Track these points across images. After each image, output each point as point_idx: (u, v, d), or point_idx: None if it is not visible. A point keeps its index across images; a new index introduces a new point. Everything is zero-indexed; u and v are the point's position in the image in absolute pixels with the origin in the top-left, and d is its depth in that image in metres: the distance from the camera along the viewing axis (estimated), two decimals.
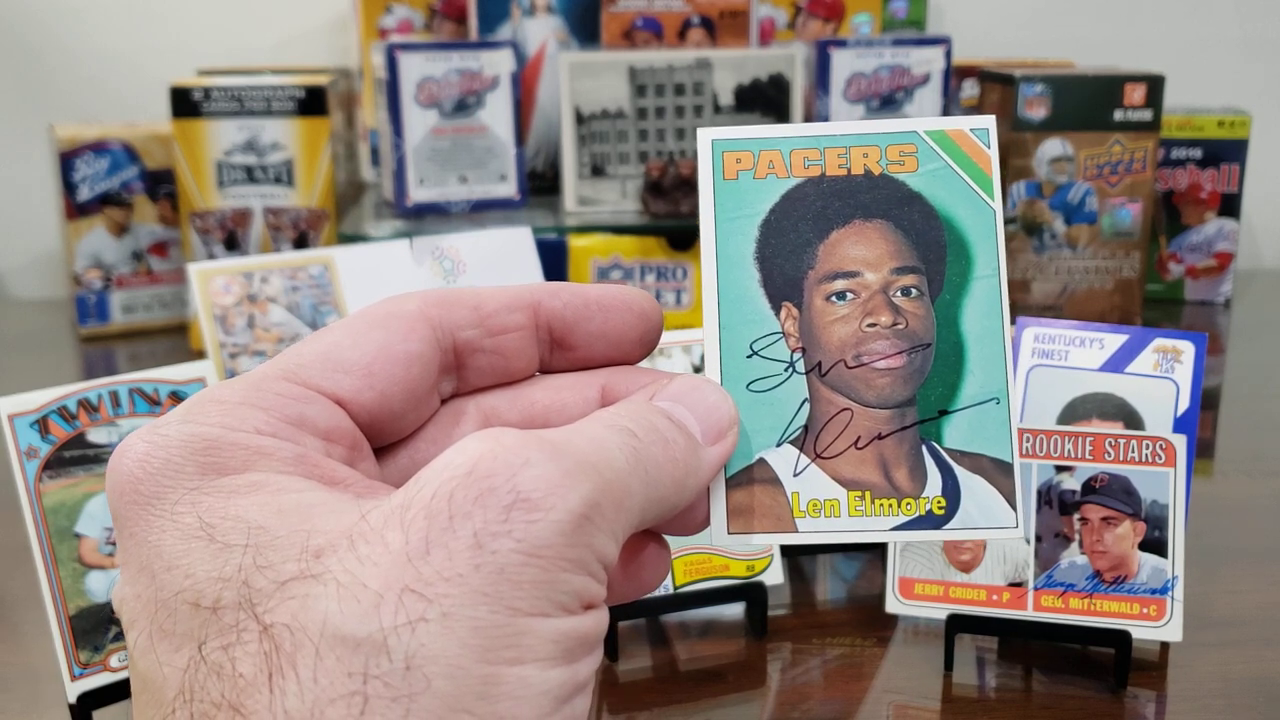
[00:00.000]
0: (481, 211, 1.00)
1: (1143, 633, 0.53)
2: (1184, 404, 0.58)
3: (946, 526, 0.27)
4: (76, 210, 1.07)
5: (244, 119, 1.00)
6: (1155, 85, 1.02)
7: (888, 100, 0.99)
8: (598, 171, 0.99)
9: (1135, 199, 1.04)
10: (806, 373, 0.27)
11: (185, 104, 0.99)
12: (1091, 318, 0.98)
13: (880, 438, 0.27)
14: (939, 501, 0.27)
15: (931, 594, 0.54)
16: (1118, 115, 1.02)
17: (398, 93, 0.98)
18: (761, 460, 0.27)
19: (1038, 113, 1.03)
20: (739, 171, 0.28)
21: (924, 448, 0.27)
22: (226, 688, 0.20)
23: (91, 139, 1.07)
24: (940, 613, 0.54)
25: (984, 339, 0.27)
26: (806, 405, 0.27)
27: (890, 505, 0.27)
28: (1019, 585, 0.54)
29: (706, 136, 0.28)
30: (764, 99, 0.99)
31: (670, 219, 0.95)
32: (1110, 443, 0.54)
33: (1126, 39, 1.34)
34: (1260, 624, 0.59)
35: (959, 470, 0.27)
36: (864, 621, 0.58)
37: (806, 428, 0.27)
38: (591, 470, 0.22)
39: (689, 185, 0.96)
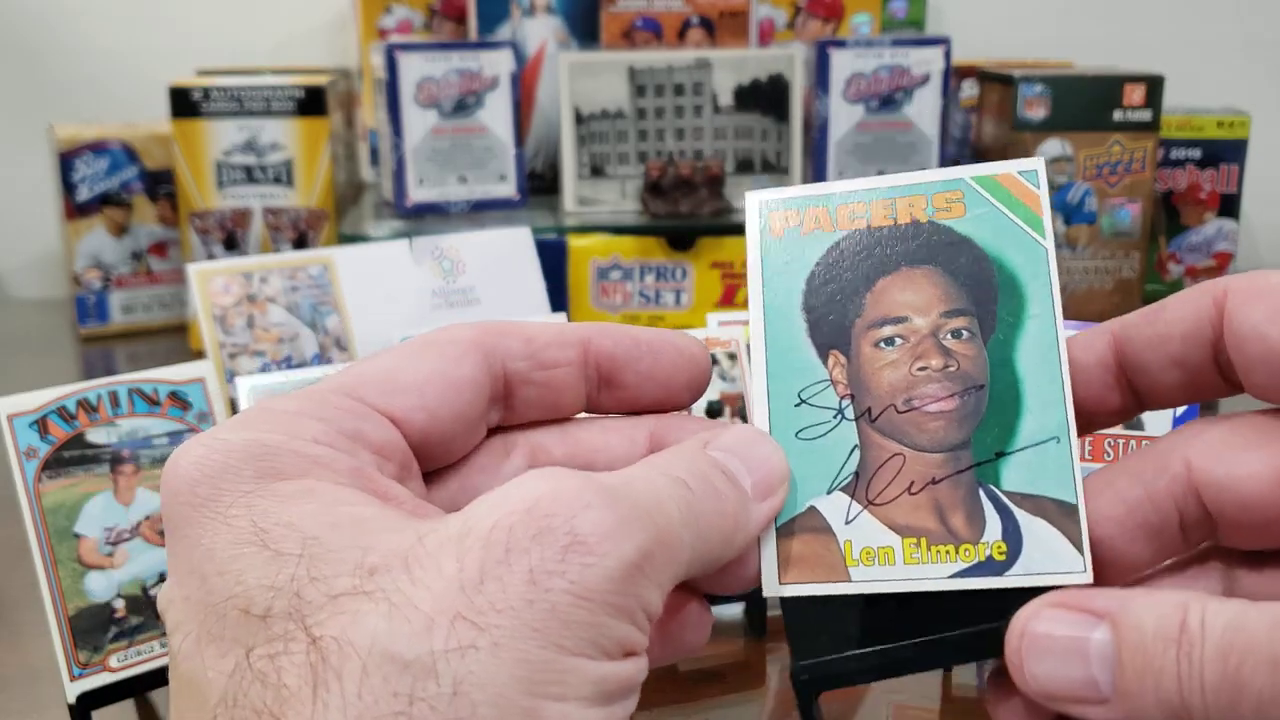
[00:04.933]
0: (481, 212, 1.00)
1: None
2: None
3: (1008, 573, 0.25)
4: (76, 210, 1.07)
5: (243, 119, 1.00)
6: (1155, 86, 1.02)
7: (887, 100, 0.99)
8: (597, 172, 0.99)
9: (1135, 199, 1.05)
10: (856, 419, 0.27)
11: (185, 104, 0.99)
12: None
13: (935, 482, 0.26)
14: (999, 547, 0.25)
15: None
16: (1117, 115, 1.02)
17: (397, 93, 0.98)
18: (812, 508, 0.26)
19: (1037, 113, 1.03)
20: (785, 229, 0.28)
21: (981, 491, 0.26)
22: (269, 697, 0.20)
23: (91, 139, 1.07)
24: None
25: (1041, 377, 0.26)
26: (857, 451, 0.26)
27: (948, 552, 0.26)
28: None
29: (754, 199, 0.28)
30: (764, 99, 0.99)
31: (670, 219, 0.95)
32: (1109, 443, 0.54)
33: (1126, 39, 1.34)
34: None
35: (1019, 513, 0.26)
36: None
37: (857, 474, 0.26)
38: (646, 519, 0.22)
39: (688, 185, 0.96)
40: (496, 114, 0.99)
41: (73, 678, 0.48)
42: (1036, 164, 0.27)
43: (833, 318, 0.27)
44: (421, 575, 0.21)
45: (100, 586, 0.49)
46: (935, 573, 0.26)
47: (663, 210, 0.96)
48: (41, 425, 0.49)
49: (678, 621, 0.27)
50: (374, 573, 0.21)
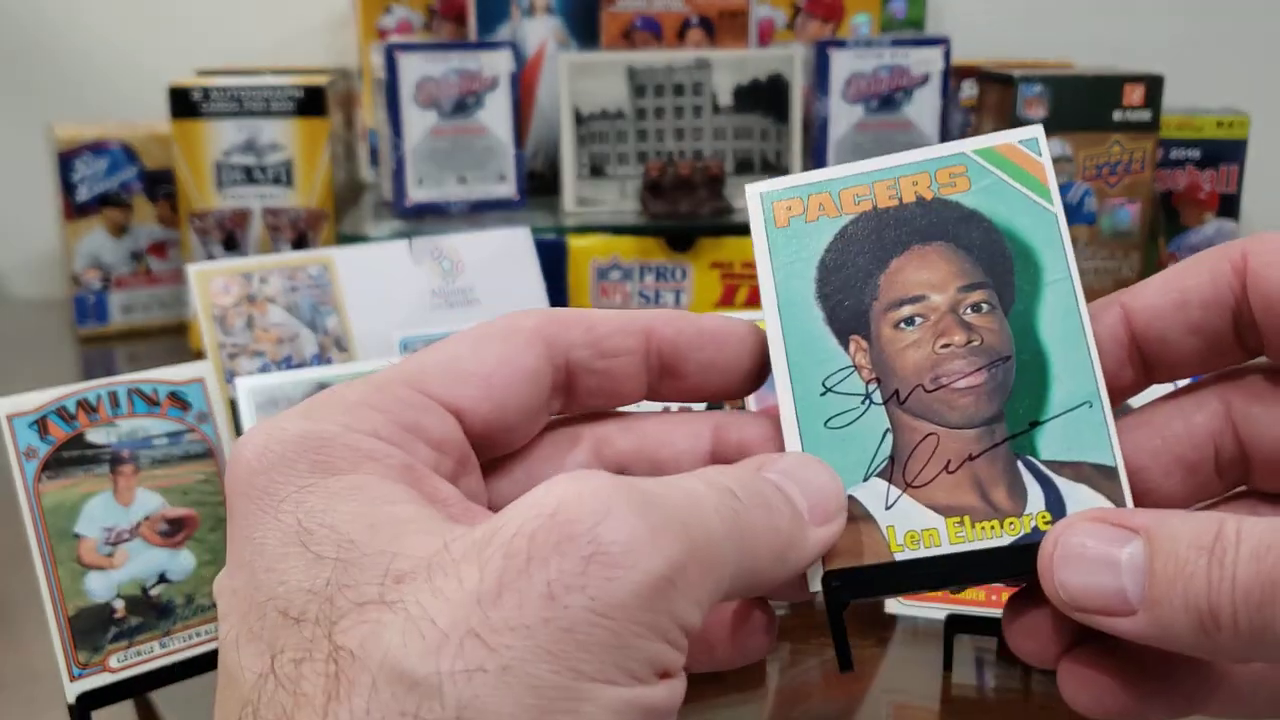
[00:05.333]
0: (481, 212, 1.00)
1: None
2: None
3: None
4: (75, 211, 1.07)
5: (243, 119, 1.00)
6: (1154, 85, 1.02)
7: (887, 100, 0.99)
8: (597, 172, 0.99)
9: (1134, 199, 1.05)
10: (884, 402, 0.26)
11: (184, 104, 0.99)
12: None
13: (971, 458, 0.26)
14: (1044, 516, 0.25)
15: (931, 594, 0.54)
16: (1116, 115, 1.02)
17: (397, 93, 0.98)
18: (850, 497, 0.26)
19: (1036, 113, 1.03)
20: (790, 218, 0.27)
21: (1019, 463, 0.26)
22: (288, 702, 0.20)
23: (90, 139, 1.07)
24: (939, 613, 0.54)
25: (1066, 343, 0.26)
26: (889, 435, 0.26)
27: (993, 527, 0.25)
28: None
29: (755, 191, 0.28)
30: (763, 99, 0.99)
31: (669, 219, 0.96)
32: None
33: (1125, 39, 1.34)
34: None
35: (1060, 481, 0.25)
36: (863, 622, 0.58)
37: (892, 458, 0.26)
38: (680, 529, 0.21)
39: (688, 185, 0.96)
40: (496, 114, 0.99)
41: (72, 678, 0.48)
42: (1036, 132, 0.27)
43: (849, 303, 0.27)
44: (442, 585, 0.20)
45: (100, 587, 0.49)
46: (982, 549, 0.25)
47: (662, 210, 0.96)
48: (41, 425, 0.49)
49: (744, 628, 0.26)
50: (399, 581, 0.20)
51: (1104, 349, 0.26)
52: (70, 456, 0.49)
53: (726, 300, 0.94)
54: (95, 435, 0.50)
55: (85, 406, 0.50)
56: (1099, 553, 0.23)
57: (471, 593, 0.20)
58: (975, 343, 0.26)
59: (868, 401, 0.26)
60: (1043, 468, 0.26)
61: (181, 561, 0.51)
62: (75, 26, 1.26)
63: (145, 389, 0.51)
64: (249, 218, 1.01)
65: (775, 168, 0.99)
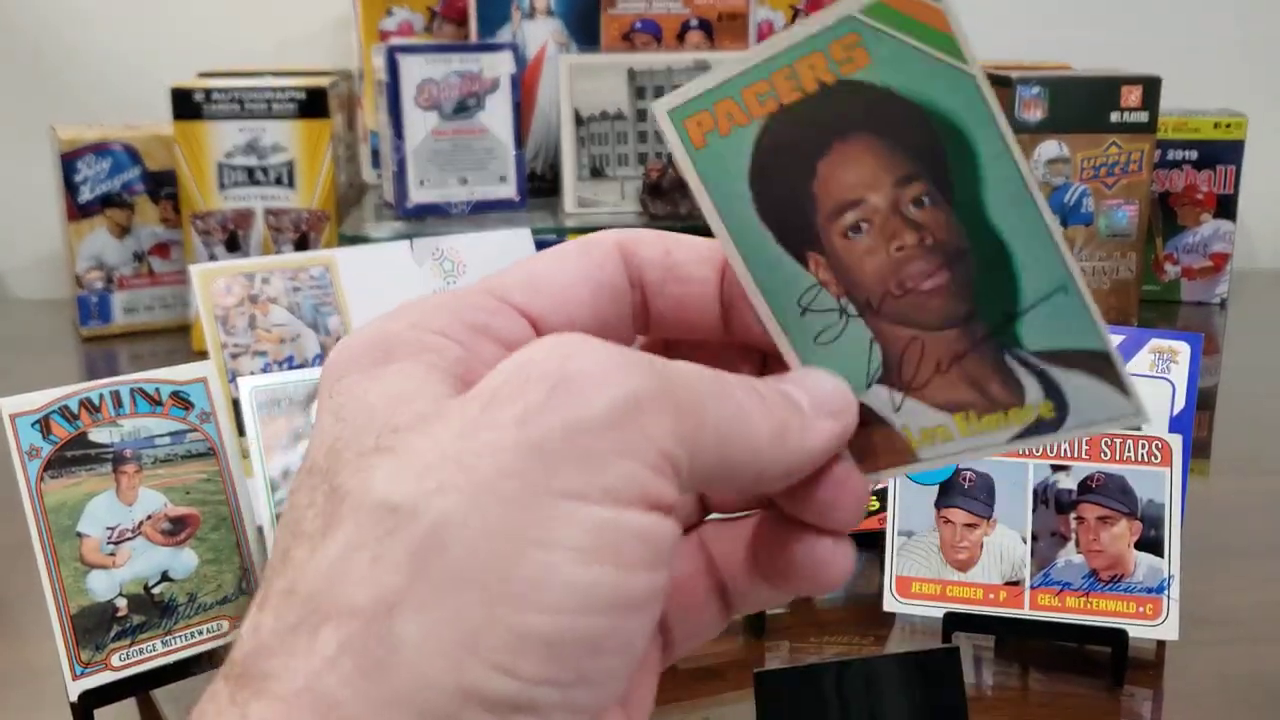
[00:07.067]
0: (481, 213, 1.01)
1: (1139, 631, 0.53)
2: (1180, 404, 0.58)
3: (1064, 428, 0.25)
4: (78, 211, 1.08)
5: (245, 121, 1.00)
6: (1152, 87, 1.02)
7: None
8: (597, 173, 1.00)
9: (1131, 200, 1.05)
10: (861, 314, 0.25)
11: (187, 106, 1.00)
12: None
13: (959, 357, 0.25)
14: (1046, 406, 0.25)
15: (929, 592, 0.54)
16: (1114, 117, 1.03)
17: (398, 95, 0.98)
18: (861, 405, 0.26)
19: (1034, 114, 1.03)
20: (704, 135, 0.26)
21: (1007, 356, 0.25)
22: (288, 541, 0.22)
23: (93, 140, 1.07)
24: (937, 611, 0.54)
25: (1022, 227, 0.24)
26: (875, 344, 0.26)
27: (999, 419, 0.25)
28: (1015, 584, 0.54)
29: (661, 110, 0.26)
30: None
31: (669, 220, 0.96)
32: (1106, 442, 0.55)
33: (1123, 42, 1.34)
34: (1255, 622, 0.59)
35: (1053, 371, 0.25)
36: (861, 620, 0.58)
37: (885, 364, 0.26)
38: (649, 368, 0.21)
39: (687, 187, 0.96)
40: (497, 116, 1.00)
41: (75, 676, 0.49)
42: None
43: (792, 219, 0.25)
44: (434, 429, 0.21)
45: (102, 585, 0.50)
46: (994, 438, 0.25)
47: (662, 211, 0.96)
48: (44, 425, 0.49)
49: (811, 559, 0.26)
50: (397, 431, 0.22)
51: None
52: (73, 456, 0.50)
53: None
54: (98, 435, 0.50)
55: (88, 406, 0.50)
56: None
57: (456, 430, 0.21)
58: (928, 241, 0.25)
59: (844, 315, 0.26)
60: (1032, 359, 0.25)
61: (184, 560, 0.52)
62: (78, 29, 1.26)
63: (148, 388, 0.52)
64: (251, 218, 1.01)
65: None
